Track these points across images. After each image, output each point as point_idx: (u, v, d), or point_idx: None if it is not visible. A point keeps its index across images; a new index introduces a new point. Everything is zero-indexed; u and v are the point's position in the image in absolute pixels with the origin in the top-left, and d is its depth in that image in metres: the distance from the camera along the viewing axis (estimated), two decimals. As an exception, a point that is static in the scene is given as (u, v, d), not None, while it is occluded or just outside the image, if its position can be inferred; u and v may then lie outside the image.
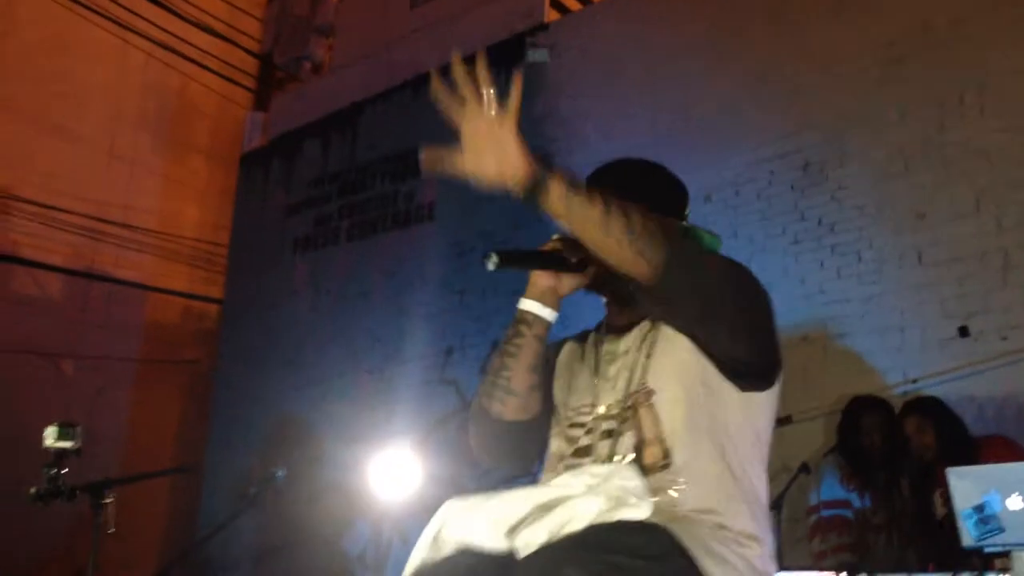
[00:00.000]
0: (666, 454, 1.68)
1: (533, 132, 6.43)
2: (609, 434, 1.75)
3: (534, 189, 1.60)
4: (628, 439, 1.72)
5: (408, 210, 7.21)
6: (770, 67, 5.40)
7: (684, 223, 1.91)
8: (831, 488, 4.06)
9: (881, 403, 4.16)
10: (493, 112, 1.65)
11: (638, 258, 1.60)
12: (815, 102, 5.17)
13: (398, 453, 5.49)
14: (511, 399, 1.80)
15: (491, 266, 1.69)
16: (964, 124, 4.63)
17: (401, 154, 7.36)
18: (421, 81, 7.40)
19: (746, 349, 1.70)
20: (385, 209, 7.37)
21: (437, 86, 1.66)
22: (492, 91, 1.66)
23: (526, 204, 1.63)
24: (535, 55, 5.23)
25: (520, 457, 1.90)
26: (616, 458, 1.72)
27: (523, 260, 1.83)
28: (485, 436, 1.85)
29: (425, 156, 1.68)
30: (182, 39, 8.70)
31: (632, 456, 1.70)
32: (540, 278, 1.81)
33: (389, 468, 5.40)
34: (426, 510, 1.68)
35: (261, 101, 9.43)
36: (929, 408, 3.88)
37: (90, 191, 8.33)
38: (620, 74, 5.99)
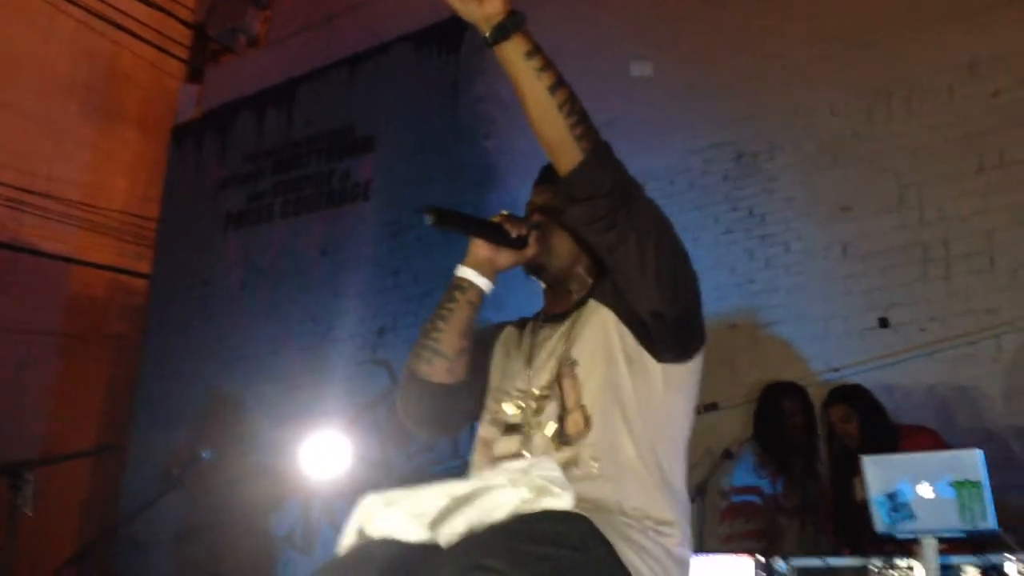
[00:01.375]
0: (587, 421, 1.72)
1: (472, 113, 6.47)
2: (537, 410, 1.78)
3: (503, 32, 1.64)
4: (552, 408, 1.76)
5: (344, 189, 7.15)
6: (707, 58, 5.47)
7: None
8: (744, 474, 4.15)
9: (798, 389, 4.26)
10: None
11: (573, 139, 1.64)
12: (749, 94, 5.25)
13: (328, 434, 5.47)
14: (439, 360, 1.82)
15: (428, 221, 1.72)
16: (891, 120, 4.76)
17: (338, 132, 7.28)
18: (360, 59, 7.34)
19: (668, 300, 1.71)
20: (320, 187, 7.29)
21: None
22: None
23: (490, 45, 1.66)
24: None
25: (444, 422, 1.92)
26: (541, 429, 1.75)
27: (462, 223, 1.83)
28: (411, 397, 1.87)
29: None
30: (114, 7, 8.46)
31: (555, 425, 1.74)
32: (479, 248, 1.84)
33: (319, 449, 5.38)
34: (356, 491, 1.69)
35: (195, 73, 9.23)
36: (855, 397, 3.96)
37: (14, 160, 8.07)
38: (559, 61, 6.00)
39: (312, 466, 5.37)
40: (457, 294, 1.83)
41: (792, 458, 4.13)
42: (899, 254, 4.59)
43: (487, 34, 1.65)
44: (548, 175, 1.95)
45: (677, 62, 5.56)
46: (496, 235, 1.82)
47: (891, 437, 3.76)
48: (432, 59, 6.88)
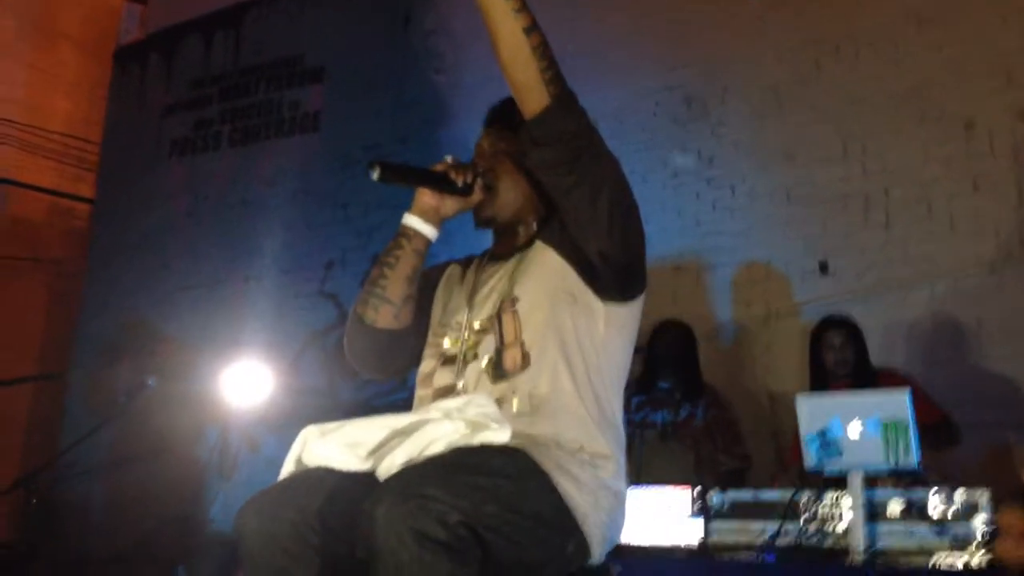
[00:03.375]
0: (525, 357, 1.77)
1: (423, 47, 6.39)
2: (475, 344, 1.83)
3: None
4: (489, 342, 1.81)
5: (293, 118, 7.04)
6: (660, 2, 5.47)
7: None
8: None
9: (681, 325, 4.34)
10: None
11: (543, 83, 1.68)
12: (700, 38, 5.28)
13: (248, 363, 5.49)
14: (385, 307, 1.86)
15: (374, 176, 1.74)
16: (838, 69, 4.83)
17: (287, 60, 7.14)
18: (311, -14, 7.18)
19: (617, 243, 1.77)
20: (269, 116, 7.17)
21: None
22: None
23: None
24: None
25: (389, 364, 1.96)
26: (477, 360, 1.80)
27: (407, 175, 1.87)
28: (357, 341, 1.91)
29: None
30: (53, -81, 8.14)
31: (490, 357, 1.79)
32: (425, 196, 1.87)
33: (239, 378, 5.40)
34: (303, 422, 1.73)
35: (138, -8, 8.93)
36: (853, 327, 4.06)
37: (-54, 76, 7.79)
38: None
39: (232, 394, 5.39)
40: (403, 241, 1.86)
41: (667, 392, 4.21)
42: (840, 201, 4.70)
43: None
44: (495, 118, 1.98)
45: (632, 5, 5.55)
46: (442, 184, 1.85)
47: (872, 377, 3.91)
48: (385, -11, 6.76)
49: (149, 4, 8.52)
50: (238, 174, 7.20)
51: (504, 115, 1.94)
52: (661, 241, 4.94)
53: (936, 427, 3.65)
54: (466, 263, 2.07)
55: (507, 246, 1.96)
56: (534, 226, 1.95)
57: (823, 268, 4.68)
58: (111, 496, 6.95)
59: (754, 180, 4.98)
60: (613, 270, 1.79)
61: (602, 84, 5.28)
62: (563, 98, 1.70)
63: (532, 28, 1.67)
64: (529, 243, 1.91)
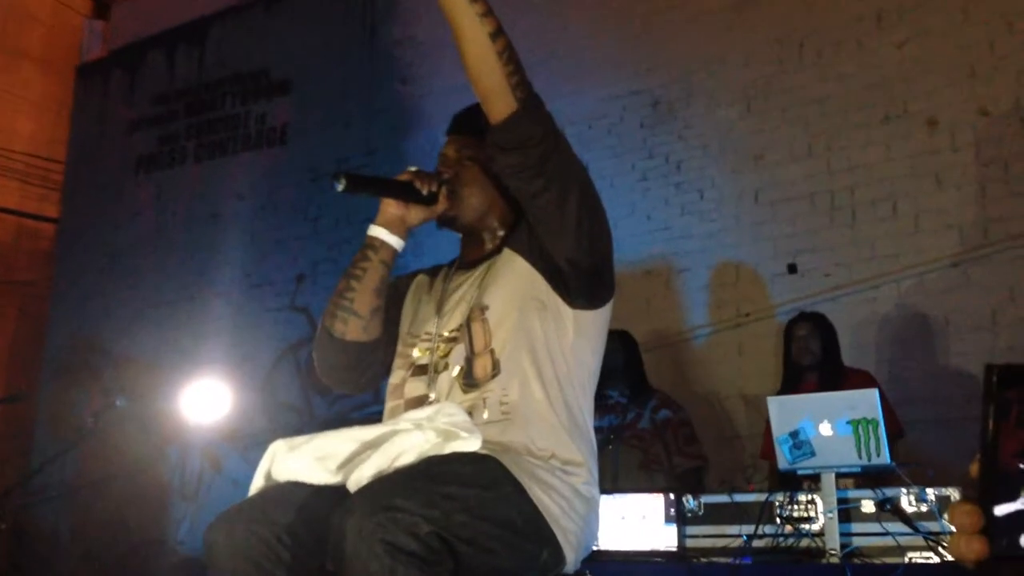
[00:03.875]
0: (495, 365, 1.76)
1: (389, 56, 6.38)
2: (446, 353, 1.81)
3: None
4: (459, 351, 1.80)
5: (260, 132, 7.00)
6: (626, 5, 5.49)
7: None
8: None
9: (620, 334, 4.32)
10: None
11: (509, 88, 1.67)
12: (667, 41, 5.30)
13: (208, 381, 5.43)
14: (353, 320, 1.84)
15: (339, 188, 1.72)
16: (802, 71, 4.86)
17: (253, 74, 7.11)
18: (274, -1, 7.15)
19: (585, 248, 1.76)
20: (235, 130, 7.13)
21: None
22: None
23: None
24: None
25: (359, 377, 1.94)
26: (448, 370, 1.78)
27: (372, 186, 1.86)
28: (327, 355, 1.89)
29: None
30: (11, -65, 8.06)
31: (461, 367, 1.77)
32: (390, 206, 1.85)
33: (199, 396, 5.34)
34: (276, 437, 1.71)
35: (100, 9, 8.85)
36: (822, 320, 4.05)
37: (-93, 98, 7.68)
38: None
39: (192, 413, 5.34)
40: (370, 253, 1.84)
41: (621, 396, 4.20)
42: (807, 202, 4.73)
43: None
44: (459, 125, 1.97)
45: (597, 10, 5.57)
46: (407, 193, 1.83)
47: (840, 373, 3.90)
48: (349, 1, 6.74)
49: (111, 20, 8.45)
50: (206, 189, 7.15)
51: (468, 122, 1.94)
52: (631, 246, 4.95)
53: (891, 438, 3.63)
54: (434, 272, 2.06)
55: (475, 254, 1.95)
56: (500, 233, 1.94)
57: (792, 269, 4.70)
58: (79, 520, 6.87)
59: (722, 183, 5.00)
60: (582, 276, 1.78)
61: (568, 89, 5.29)
62: (529, 103, 1.69)
63: (497, 33, 1.66)
64: (497, 251, 1.91)
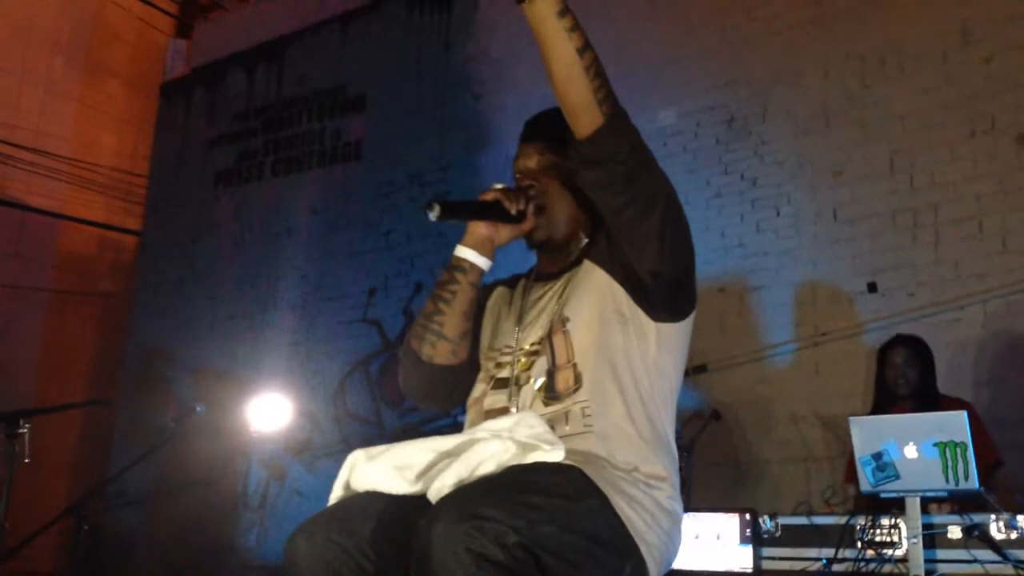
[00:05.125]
0: (577, 378, 1.73)
1: (463, 72, 6.43)
2: (528, 366, 1.79)
3: None
4: (541, 364, 1.77)
5: (335, 148, 7.12)
6: (702, 20, 5.44)
7: None
8: None
9: None
10: None
11: (596, 103, 1.64)
12: (743, 57, 5.24)
13: (274, 394, 5.51)
14: (443, 343, 1.82)
15: (432, 217, 1.70)
16: (884, 85, 4.76)
17: (329, 91, 7.24)
18: (352, 16, 7.27)
19: (668, 261, 1.73)
20: (311, 146, 7.26)
21: None
22: None
23: (520, 1, 1.64)
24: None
25: (447, 398, 1.93)
26: (531, 383, 1.76)
27: (464, 211, 1.83)
28: (415, 377, 1.87)
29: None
30: (101, -40, 8.35)
31: (543, 379, 1.75)
32: (478, 227, 1.83)
33: (263, 408, 5.41)
34: (348, 449, 1.71)
35: (183, 29, 9.12)
36: (922, 346, 3.88)
37: (0, 114, 7.99)
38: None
39: (258, 424, 5.42)
40: (459, 275, 1.81)
41: None
42: (889, 219, 4.61)
43: None
44: (533, 133, 1.93)
45: (673, 26, 5.54)
46: (496, 214, 1.80)
47: (935, 401, 3.71)
48: (424, 18, 6.82)
49: (194, 40, 8.69)
50: (281, 203, 7.29)
51: (542, 129, 1.91)
52: (705, 263, 4.86)
53: (987, 469, 3.48)
54: (512, 284, 2.03)
55: (555, 265, 1.92)
56: (583, 241, 1.91)
57: (872, 288, 4.58)
58: (156, 525, 7.01)
59: (799, 199, 4.91)
60: (664, 288, 1.75)
61: (648, 106, 5.27)
62: (616, 117, 1.66)
63: (585, 47, 1.63)
64: (578, 262, 1.87)
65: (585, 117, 1.65)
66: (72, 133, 8.66)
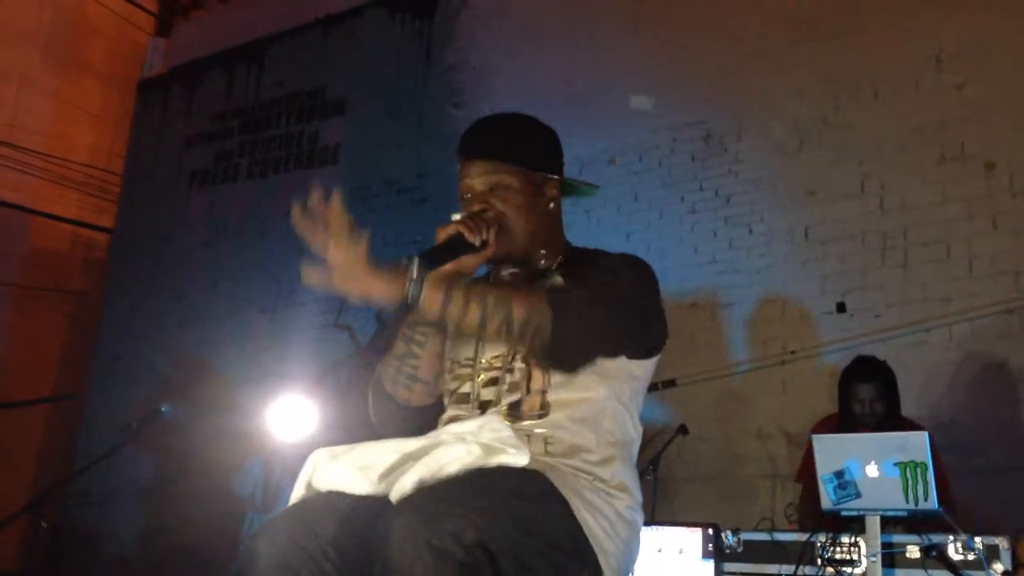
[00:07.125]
0: (543, 405, 1.72)
1: (443, 81, 6.45)
2: (493, 381, 1.77)
3: (408, 305, 1.61)
4: (508, 382, 1.75)
5: (312, 151, 7.10)
6: (682, 38, 5.49)
7: (559, 176, 1.91)
8: None
9: None
10: (348, 248, 1.63)
11: (524, 345, 1.67)
12: (721, 75, 5.29)
13: (294, 397, 5.48)
14: (418, 386, 1.83)
15: (414, 274, 1.63)
16: (857, 109, 4.82)
17: (308, 93, 7.22)
18: (333, 21, 7.27)
19: (643, 344, 1.79)
20: (289, 149, 7.23)
21: (298, 218, 1.64)
22: (345, 227, 1.64)
23: (407, 313, 1.67)
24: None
25: (418, 430, 1.90)
26: (497, 402, 1.74)
27: (440, 257, 1.73)
28: (390, 420, 1.87)
29: (304, 272, 1.64)
30: (81, -47, 8.29)
31: (511, 398, 1.73)
32: (443, 266, 1.77)
33: (285, 411, 5.38)
34: (300, 452, 1.70)
35: (163, 27, 9.07)
36: (886, 375, 3.81)
37: (-27, 106, 7.91)
38: (535, 32, 5.99)
39: (279, 428, 5.38)
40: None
41: None
42: (859, 241, 4.67)
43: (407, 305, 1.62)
44: (473, 151, 1.88)
45: (654, 43, 5.58)
46: (463, 248, 1.75)
47: (899, 427, 3.66)
48: (405, 25, 6.83)
49: (173, 38, 8.65)
50: (256, 205, 7.25)
51: (480, 146, 1.87)
52: (678, 278, 4.91)
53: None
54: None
55: (527, 271, 1.88)
56: (553, 256, 1.88)
57: (841, 308, 4.63)
58: (141, 528, 6.93)
59: (772, 218, 4.96)
60: (643, 353, 1.81)
61: (625, 120, 5.29)
62: (551, 342, 1.63)
63: (483, 315, 1.61)
64: (544, 275, 1.85)
65: (526, 353, 1.70)
66: (47, 128, 8.57)
